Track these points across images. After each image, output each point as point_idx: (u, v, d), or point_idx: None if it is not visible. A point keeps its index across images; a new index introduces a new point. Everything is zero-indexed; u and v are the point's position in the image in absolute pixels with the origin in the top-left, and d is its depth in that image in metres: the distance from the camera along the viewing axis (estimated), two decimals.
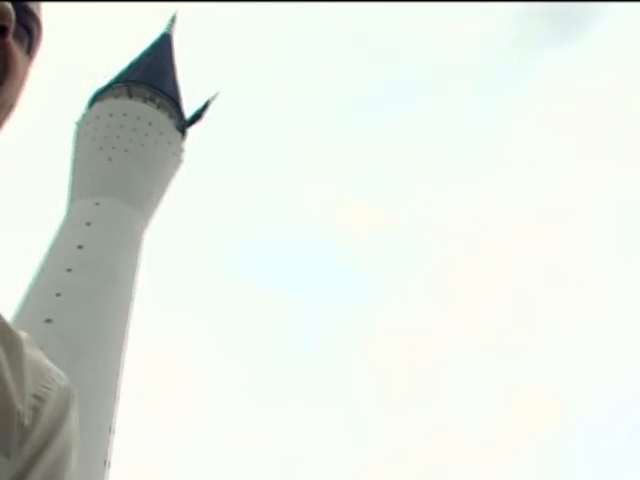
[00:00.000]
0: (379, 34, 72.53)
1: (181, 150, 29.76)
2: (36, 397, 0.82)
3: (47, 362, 0.89)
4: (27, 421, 0.79)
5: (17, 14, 0.81)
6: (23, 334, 0.88)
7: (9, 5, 0.78)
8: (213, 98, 30.70)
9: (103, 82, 29.42)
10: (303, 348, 64.67)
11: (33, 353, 0.87)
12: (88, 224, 25.15)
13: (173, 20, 32.96)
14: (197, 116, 30.32)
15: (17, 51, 0.84)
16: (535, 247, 72.07)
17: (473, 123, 67.92)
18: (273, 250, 68.57)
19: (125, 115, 28.12)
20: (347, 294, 70.25)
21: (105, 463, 18.01)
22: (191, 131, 30.36)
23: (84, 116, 28.34)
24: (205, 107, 30.49)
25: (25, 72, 0.87)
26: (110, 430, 18.76)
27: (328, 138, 67.25)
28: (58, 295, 22.52)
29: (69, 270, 23.49)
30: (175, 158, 29.30)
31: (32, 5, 0.87)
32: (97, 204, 25.68)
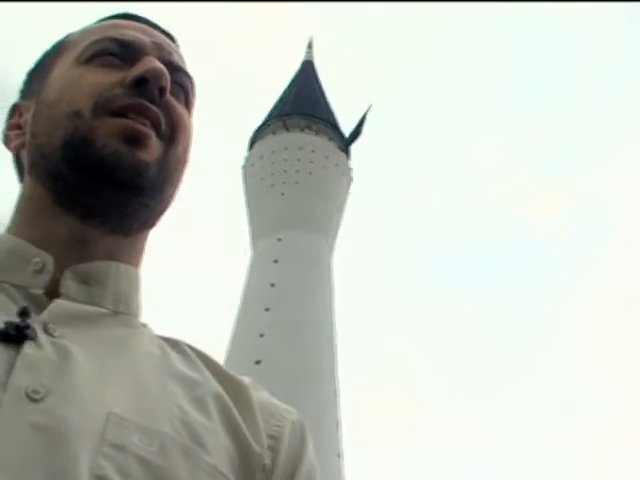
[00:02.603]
0: (516, 23, 69.24)
1: (349, 169, 29.11)
2: (271, 437, 0.81)
3: (274, 401, 0.88)
4: (268, 462, 0.79)
5: (170, 73, 0.84)
6: (246, 379, 0.87)
7: (163, 67, 0.82)
8: (368, 111, 29.81)
9: (258, 122, 29.68)
10: (513, 340, 62.10)
11: (259, 395, 0.86)
12: (275, 261, 24.95)
13: (310, 46, 33.04)
14: (356, 132, 29.59)
15: (179, 107, 0.85)
16: None
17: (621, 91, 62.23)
18: (462, 250, 66.41)
19: (287, 148, 28.00)
20: (544, 281, 66.99)
21: None
22: (353, 148, 29.67)
23: (247, 158, 28.62)
24: (362, 122, 29.66)
25: (190, 127, 0.88)
26: (339, 456, 17.82)
27: (490, 127, 64.62)
28: (262, 336, 22.28)
29: (267, 309, 23.30)
30: (345, 178, 28.72)
31: (180, 62, 0.89)
32: (279, 240, 25.48)
